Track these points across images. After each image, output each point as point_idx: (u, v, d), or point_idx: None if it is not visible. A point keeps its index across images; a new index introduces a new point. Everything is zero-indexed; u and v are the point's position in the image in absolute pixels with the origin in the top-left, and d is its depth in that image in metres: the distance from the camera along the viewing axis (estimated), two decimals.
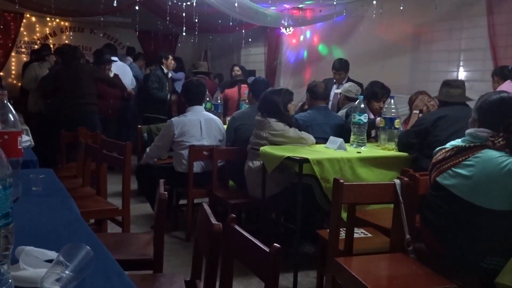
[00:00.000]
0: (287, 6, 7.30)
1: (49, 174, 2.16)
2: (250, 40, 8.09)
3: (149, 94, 5.86)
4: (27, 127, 3.59)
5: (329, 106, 4.89)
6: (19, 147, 1.63)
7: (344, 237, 2.33)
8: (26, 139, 2.96)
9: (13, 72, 9.19)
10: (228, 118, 4.49)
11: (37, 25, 9.46)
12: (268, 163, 3.12)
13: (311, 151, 3.15)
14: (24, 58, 8.85)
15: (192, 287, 1.75)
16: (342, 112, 4.12)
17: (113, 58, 6.25)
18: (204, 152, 3.76)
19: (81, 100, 4.96)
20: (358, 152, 3.18)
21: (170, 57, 6.12)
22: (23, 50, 9.29)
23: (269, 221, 3.65)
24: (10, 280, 0.92)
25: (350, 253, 2.32)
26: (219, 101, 5.11)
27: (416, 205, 2.31)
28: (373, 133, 3.84)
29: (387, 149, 3.36)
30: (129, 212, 3.05)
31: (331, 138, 3.34)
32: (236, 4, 5.67)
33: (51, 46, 7.88)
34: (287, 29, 7.86)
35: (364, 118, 3.37)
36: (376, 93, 3.93)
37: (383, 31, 6.25)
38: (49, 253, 1.11)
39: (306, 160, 2.87)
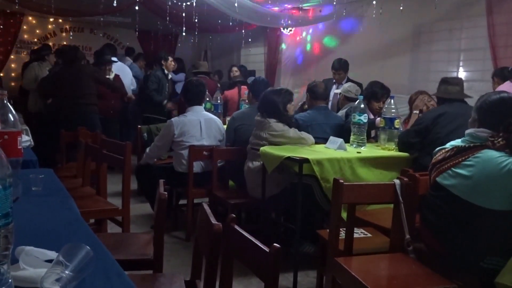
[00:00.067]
0: (288, 6, 7.29)
1: (49, 174, 2.15)
2: (250, 40, 8.09)
3: (147, 95, 5.86)
4: (27, 127, 3.59)
5: (329, 106, 4.89)
6: (19, 147, 1.63)
7: (344, 237, 2.33)
8: (26, 139, 2.96)
9: (13, 72, 9.19)
10: (228, 118, 4.49)
11: (37, 25, 9.46)
12: (268, 163, 3.12)
13: (311, 151, 3.15)
14: (24, 58, 8.85)
15: (192, 287, 1.75)
16: (342, 112, 4.12)
17: (113, 58, 6.26)
18: (204, 152, 3.76)
19: (81, 100, 4.96)
20: (358, 152, 3.18)
21: (170, 58, 6.11)
22: (23, 50, 9.29)
23: (269, 221, 3.65)
24: (10, 280, 0.92)
25: (350, 253, 2.32)
26: (219, 101, 5.11)
27: (416, 205, 2.31)
28: (373, 133, 3.85)
29: (387, 149, 3.36)
30: (129, 212, 3.05)
31: (331, 138, 3.34)
32: (236, 4, 5.67)
33: (51, 46, 7.88)
34: (287, 29, 7.86)
35: (364, 118, 3.37)
36: (376, 93, 3.93)
37: (383, 31, 6.25)
38: (49, 253, 1.11)
39: (306, 160, 2.87)
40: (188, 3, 6.08)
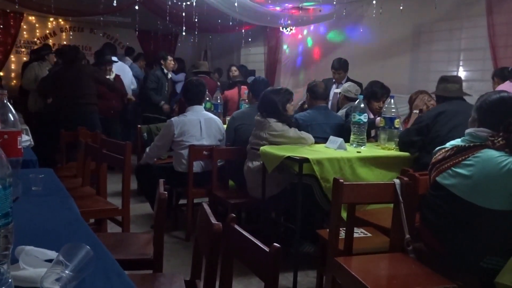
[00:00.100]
0: (288, 5, 7.29)
1: (49, 174, 2.15)
2: (250, 40, 8.10)
3: (146, 94, 5.86)
4: (27, 127, 3.59)
5: (329, 106, 4.89)
6: (19, 146, 1.63)
7: (344, 236, 2.33)
8: (26, 139, 2.96)
9: (13, 72, 9.19)
10: (228, 118, 4.49)
11: (37, 25, 9.46)
12: (268, 163, 3.12)
13: (311, 151, 3.14)
14: (24, 58, 8.85)
15: (192, 287, 1.75)
16: (341, 112, 4.12)
17: (113, 58, 6.25)
18: (204, 152, 3.76)
19: (81, 100, 4.96)
20: (358, 152, 3.18)
21: (169, 58, 6.11)
22: (23, 50, 9.30)
23: (269, 221, 3.65)
24: (10, 280, 0.92)
25: (350, 252, 2.32)
26: (219, 101, 5.11)
27: (415, 205, 2.31)
28: (372, 132, 3.85)
29: (387, 149, 3.36)
30: (129, 212, 3.04)
31: (331, 138, 3.34)
32: (236, 4, 5.67)
33: (51, 46, 7.88)
34: (288, 29, 7.86)
35: (364, 117, 3.37)
36: (375, 92, 3.93)
37: (383, 31, 6.26)
38: (49, 252, 1.11)
39: (306, 160, 2.87)
40: (188, 3, 6.08)
